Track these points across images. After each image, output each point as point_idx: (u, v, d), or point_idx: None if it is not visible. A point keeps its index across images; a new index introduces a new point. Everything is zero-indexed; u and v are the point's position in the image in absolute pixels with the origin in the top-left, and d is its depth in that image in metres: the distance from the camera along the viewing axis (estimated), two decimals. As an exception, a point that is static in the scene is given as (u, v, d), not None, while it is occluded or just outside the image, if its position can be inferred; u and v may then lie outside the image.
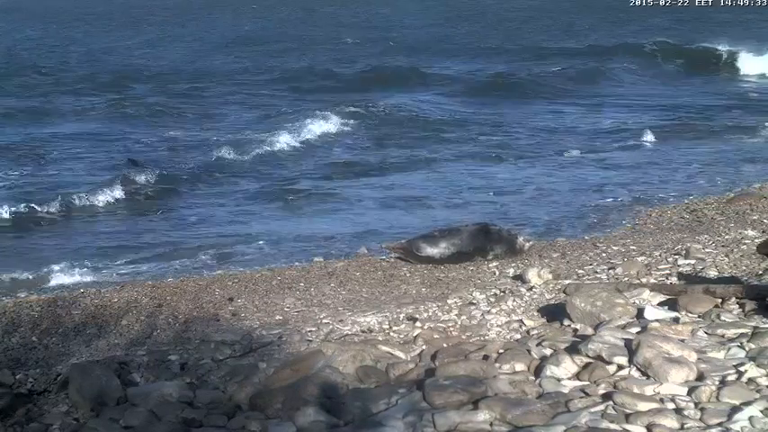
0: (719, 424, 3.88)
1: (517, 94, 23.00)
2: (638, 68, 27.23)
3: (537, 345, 5.16)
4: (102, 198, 12.55)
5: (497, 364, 4.90)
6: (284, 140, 16.58)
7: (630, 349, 4.58)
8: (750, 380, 4.28)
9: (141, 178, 13.58)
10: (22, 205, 11.93)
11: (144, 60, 32.45)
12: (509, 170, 14.22)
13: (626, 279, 6.85)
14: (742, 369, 4.39)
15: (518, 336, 5.74)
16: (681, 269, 7.01)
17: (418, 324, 6.12)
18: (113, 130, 18.40)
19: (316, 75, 26.99)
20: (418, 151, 15.89)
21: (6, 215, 11.61)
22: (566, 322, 5.64)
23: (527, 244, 8.47)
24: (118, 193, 12.76)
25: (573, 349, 4.85)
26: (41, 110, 20.98)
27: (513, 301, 6.52)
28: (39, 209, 11.90)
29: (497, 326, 5.99)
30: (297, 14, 54.67)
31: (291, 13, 56.58)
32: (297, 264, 8.77)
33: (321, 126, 17.67)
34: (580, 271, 7.43)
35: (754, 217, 9.11)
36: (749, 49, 27.81)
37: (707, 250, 7.57)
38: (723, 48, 28.51)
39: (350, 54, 33.07)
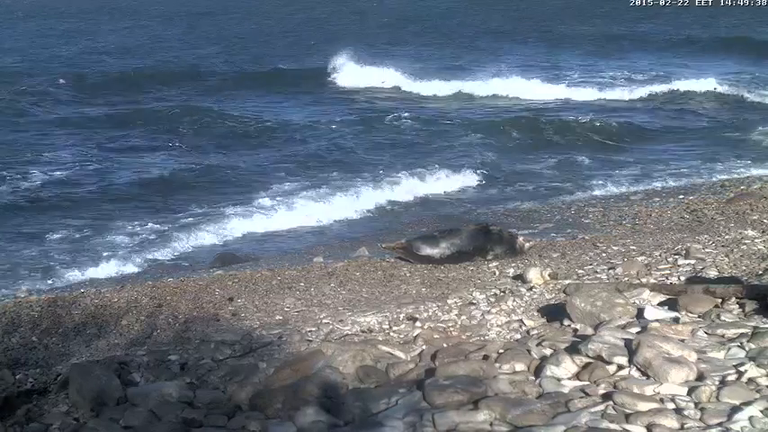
0: (719, 424, 3.87)
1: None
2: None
3: (537, 345, 5.16)
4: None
5: (497, 364, 4.90)
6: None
7: (630, 349, 4.57)
8: (750, 380, 4.28)
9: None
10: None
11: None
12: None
13: (626, 279, 6.84)
14: (742, 369, 4.38)
15: (518, 336, 5.74)
16: (681, 269, 7.01)
17: (418, 324, 6.12)
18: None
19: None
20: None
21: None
22: (566, 322, 5.64)
23: (527, 244, 8.47)
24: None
25: (573, 349, 4.85)
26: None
27: (513, 301, 6.52)
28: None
29: (497, 326, 5.99)
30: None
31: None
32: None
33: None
34: (580, 271, 7.43)
35: (754, 217, 9.11)
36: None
37: (707, 250, 7.57)
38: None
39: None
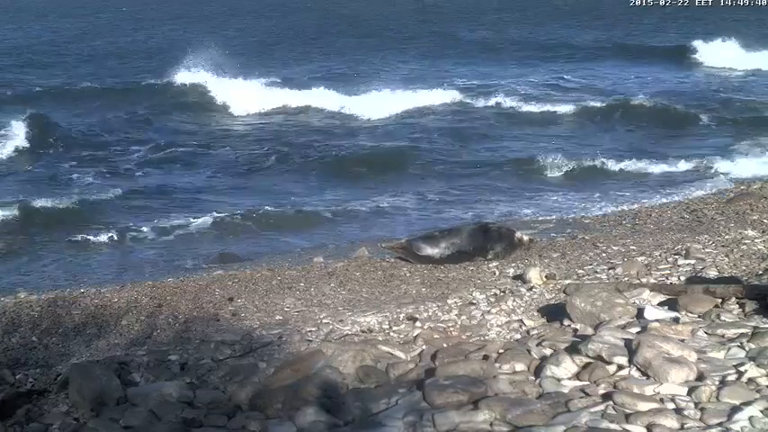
0: (719, 424, 3.87)
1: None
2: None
3: (537, 345, 5.16)
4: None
5: (497, 364, 4.90)
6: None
7: (630, 349, 4.57)
8: (750, 380, 4.28)
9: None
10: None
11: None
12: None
13: (626, 279, 6.84)
14: (742, 369, 4.39)
15: (518, 336, 5.74)
16: (681, 269, 7.01)
17: (418, 324, 6.12)
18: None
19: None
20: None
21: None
22: (566, 322, 5.64)
23: (525, 237, 8.48)
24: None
25: (573, 349, 4.85)
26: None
27: (513, 301, 6.52)
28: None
29: (497, 326, 5.99)
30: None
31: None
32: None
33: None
34: (580, 271, 7.43)
35: (754, 217, 9.11)
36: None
37: (707, 250, 7.57)
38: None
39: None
